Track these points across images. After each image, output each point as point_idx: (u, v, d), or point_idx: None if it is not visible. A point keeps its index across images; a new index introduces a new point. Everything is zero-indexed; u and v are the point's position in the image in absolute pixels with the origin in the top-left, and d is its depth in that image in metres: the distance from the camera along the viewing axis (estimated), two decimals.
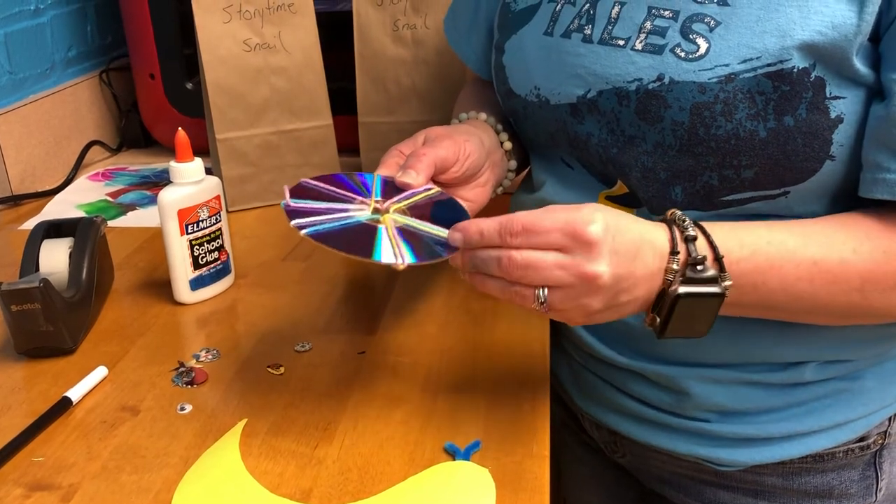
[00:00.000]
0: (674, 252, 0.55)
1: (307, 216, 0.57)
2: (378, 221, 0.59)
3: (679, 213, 0.57)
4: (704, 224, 0.57)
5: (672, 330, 0.56)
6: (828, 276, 0.57)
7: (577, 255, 0.52)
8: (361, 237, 0.57)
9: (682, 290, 0.54)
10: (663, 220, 0.57)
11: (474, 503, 0.54)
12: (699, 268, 0.55)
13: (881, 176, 0.57)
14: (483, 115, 0.77)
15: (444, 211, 0.61)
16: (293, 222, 0.56)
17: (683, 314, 0.55)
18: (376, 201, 0.61)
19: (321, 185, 0.62)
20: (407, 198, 0.62)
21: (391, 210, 0.60)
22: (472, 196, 0.70)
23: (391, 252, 0.55)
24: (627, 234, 0.54)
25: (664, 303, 0.55)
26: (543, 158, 0.76)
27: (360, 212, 0.60)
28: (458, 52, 0.88)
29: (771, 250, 0.57)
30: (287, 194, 0.59)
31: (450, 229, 0.56)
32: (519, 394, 0.65)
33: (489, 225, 0.54)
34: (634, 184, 0.65)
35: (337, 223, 0.57)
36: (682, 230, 0.55)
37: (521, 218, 0.52)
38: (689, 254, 0.55)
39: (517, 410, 0.63)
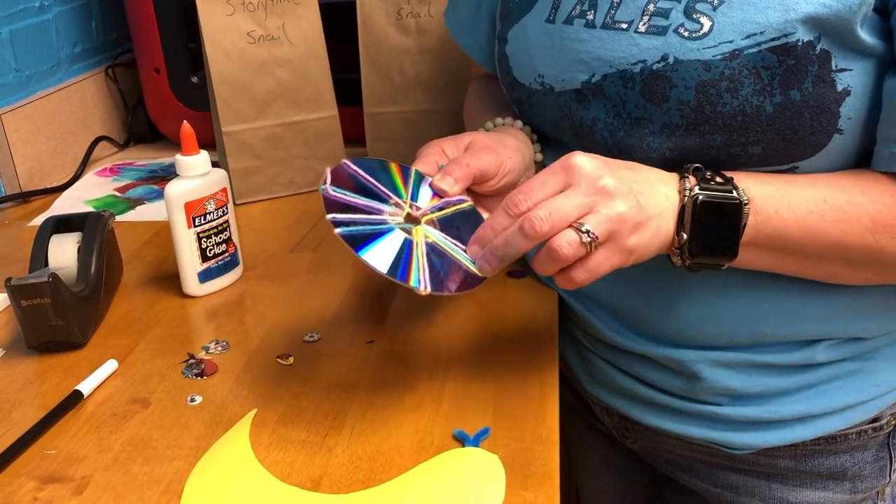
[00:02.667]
0: (683, 177, 0.58)
1: (344, 212, 0.56)
2: (409, 232, 0.58)
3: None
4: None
5: (701, 247, 0.57)
6: (839, 214, 0.58)
7: (577, 179, 0.54)
8: (388, 250, 0.56)
9: (703, 195, 0.56)
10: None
11: (484, 489, 0.54)
12: (713, 182, 0.57)
13: None
14: (519, 123, 0.75)
15: (474, 229, 0.60)
16: (329, 216, 0.55)
17: (709, 226, 0.57)
18: (412, 205, 0.61)
19: (360, 173, 0.61)
20: (440, 208, 0.62)
21: (423, 221, 0.60)
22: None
23: (417, 275, 0.55)
24: (617, 160, 0.58)
25: (686, 214, 0.57)
26: (549, 148, 0.75)
27: (394, 217, 0.59)
28: (463, 46, 0.87)
29: (779, 183, 0.59)
30: (328, 179, 0.58)
31: (468, 244, 0.57)
32: (528, 380, 0.65)
33: (493, 214, 0.56)
34: None
35: (369, 227, 0.57)
36: (686, 169, 0.59)
37: (516, 189, 0.55)
38: (697, 176, 0.58)
39: (526, 397, 0.63)
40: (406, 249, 0.57)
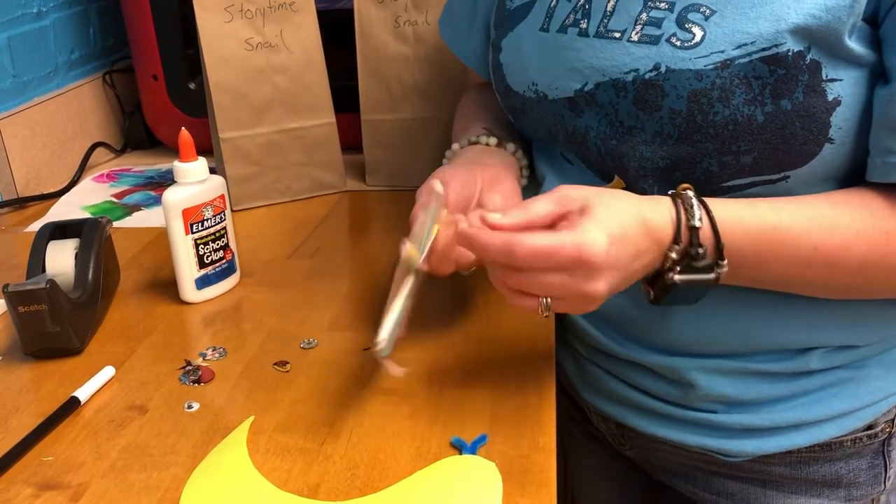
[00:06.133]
0: (676, 241, 0.56)
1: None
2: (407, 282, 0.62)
3: (689, 193, 0.57)
4: (709, 201, 0.58)
5: (664, 303, 0.60)
6: (826, 261, 0.58)
7: (577, 276, 0.54)
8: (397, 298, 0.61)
9: (678, 278, 0.57)
10: (672, 196, 0.58)
11: (481, 497, 0.54)
12: (697, 261, 0.57)
13: (894, 160, 0.57)
14: (511, 147, 0.77)
15: None
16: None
17: (675, 294, 0.58)
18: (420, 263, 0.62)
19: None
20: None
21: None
22: None
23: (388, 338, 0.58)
24: (629, 238, 0.55)
25: (659, 285, 0.58)
26: (544, 154, 0.76)
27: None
28: (458, 54, 0.88)
29: (773, 236, 0.58)
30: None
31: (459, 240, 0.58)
32: (525, 387, 0.65)
33: (495, 243, 0.54)
34: (633, 175, 0.65)
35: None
36: (689, 217, 0.56)
37: (528, 244, 0.53)
38: (690, 244, 0.56)
39: (523, 404, 0.63)
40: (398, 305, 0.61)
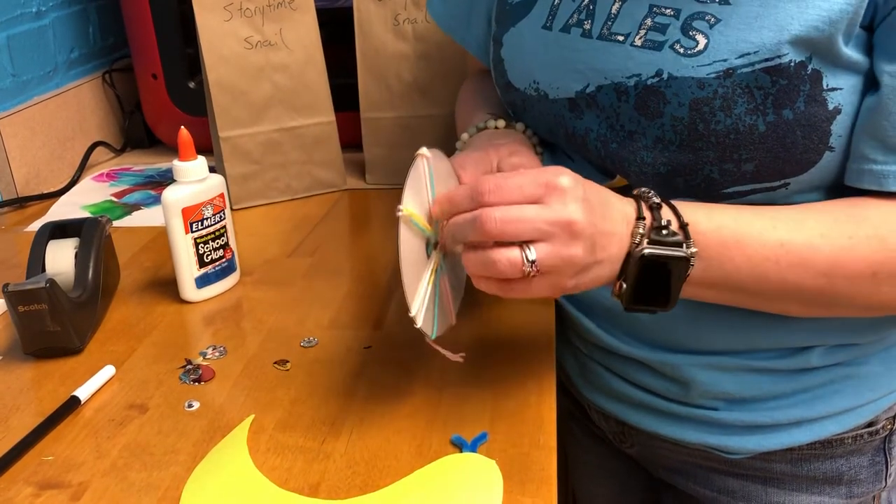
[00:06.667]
0: (640, 217, 0.55)
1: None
2: (430, 258, 0.58)
3: (644, 189, 0.56)
4: (673, 201, 0.57)
5: (638, 297, 0.55)
6: (794, 258, 0.57)
7: (552, 203, 0.51)
8: (417, 272, 0.56)
9: (648, 250, 0.54)
10: (630, 196, 0.57)
11: (482, 495, 0.54)
12: (664, 231, 0.54)
13: (867, 167, 0.57)
14: (521, 126, 0.75)
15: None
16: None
17: (649, 279, 0.55)
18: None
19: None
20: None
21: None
22: None
23: (423, 315, 0.56)
24: (597, 189, 0.54)
25: (630, 265, 0.54)
26: (546, 150, 0.75)
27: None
28: (460, 41, 0.87)
29: (737, 227, 0.57)
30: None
31: (434, 202, 0.56)
32: (525, 385, 0.65)
33: (459, 190, 0.53)
34: (634, 180, 0.65)
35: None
36: (647, 200, 0.56)
37: (491, 177, 0.52)
38: (654, 219, 0.55)
39: (524, 402, 0.63)
40: (425, 277, 0.57)
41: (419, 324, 0.55)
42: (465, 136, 0.76)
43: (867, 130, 0.57)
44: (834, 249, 0.57)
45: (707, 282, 0.58)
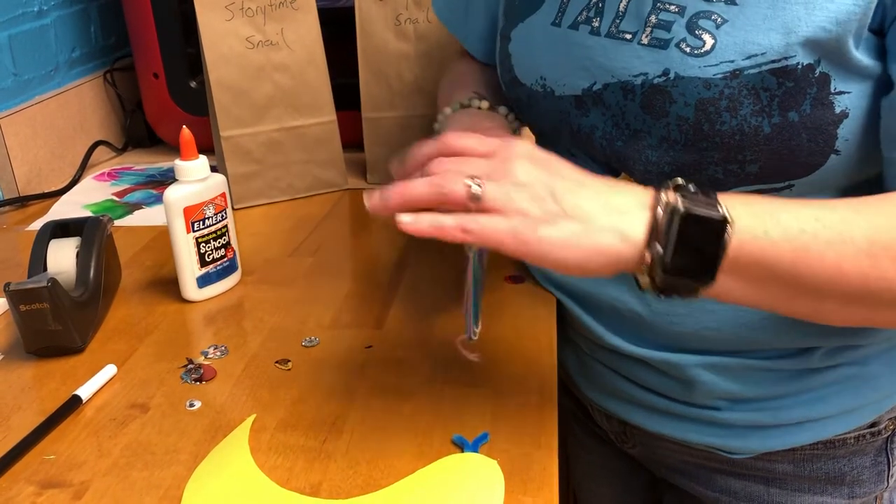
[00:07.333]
0: (660, 189, 0.49)
1: None
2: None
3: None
4: None
5: (675, 268, 0.48)
6: (832, 234, 0.49)
7: (496, 158, 0.50)
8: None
9: (684, 208, 0.47)
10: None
11: (483, 495, 0.54)
12: (693, 190, 0.49)
13: None
14: (503, 110, 0.75)
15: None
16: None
17: (688, 245, 0.48)
18: None
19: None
20: None
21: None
22: None
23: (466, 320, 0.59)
24: (565, 165, 0.52)
25: (660, 228, 0.48)
26: (548, 147, 0.75)
27: None
28: (458, 35, 0.87)
29: (766, 203, 0.51)
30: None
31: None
32: (526, 385, 0.65)
33: (424, 149, 0.53)
34: (638, 177, 0.65)
35: None
36: (666, 184, 0.50)
37: (457, 135, 0.52)
38: (676, 184, 0.49)
39: (525, 402, 0.63)
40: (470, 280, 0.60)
41: (476, 336, 0.60)
42: (447, 110, 0.76)
43: (891, 134, 0.56)
44: (872, 224, 0.50)
45: (741, 264, 0.49)
